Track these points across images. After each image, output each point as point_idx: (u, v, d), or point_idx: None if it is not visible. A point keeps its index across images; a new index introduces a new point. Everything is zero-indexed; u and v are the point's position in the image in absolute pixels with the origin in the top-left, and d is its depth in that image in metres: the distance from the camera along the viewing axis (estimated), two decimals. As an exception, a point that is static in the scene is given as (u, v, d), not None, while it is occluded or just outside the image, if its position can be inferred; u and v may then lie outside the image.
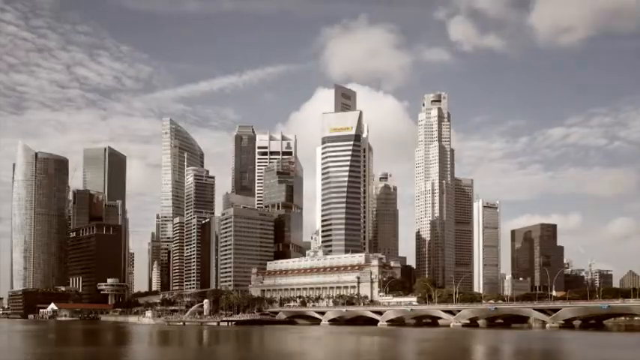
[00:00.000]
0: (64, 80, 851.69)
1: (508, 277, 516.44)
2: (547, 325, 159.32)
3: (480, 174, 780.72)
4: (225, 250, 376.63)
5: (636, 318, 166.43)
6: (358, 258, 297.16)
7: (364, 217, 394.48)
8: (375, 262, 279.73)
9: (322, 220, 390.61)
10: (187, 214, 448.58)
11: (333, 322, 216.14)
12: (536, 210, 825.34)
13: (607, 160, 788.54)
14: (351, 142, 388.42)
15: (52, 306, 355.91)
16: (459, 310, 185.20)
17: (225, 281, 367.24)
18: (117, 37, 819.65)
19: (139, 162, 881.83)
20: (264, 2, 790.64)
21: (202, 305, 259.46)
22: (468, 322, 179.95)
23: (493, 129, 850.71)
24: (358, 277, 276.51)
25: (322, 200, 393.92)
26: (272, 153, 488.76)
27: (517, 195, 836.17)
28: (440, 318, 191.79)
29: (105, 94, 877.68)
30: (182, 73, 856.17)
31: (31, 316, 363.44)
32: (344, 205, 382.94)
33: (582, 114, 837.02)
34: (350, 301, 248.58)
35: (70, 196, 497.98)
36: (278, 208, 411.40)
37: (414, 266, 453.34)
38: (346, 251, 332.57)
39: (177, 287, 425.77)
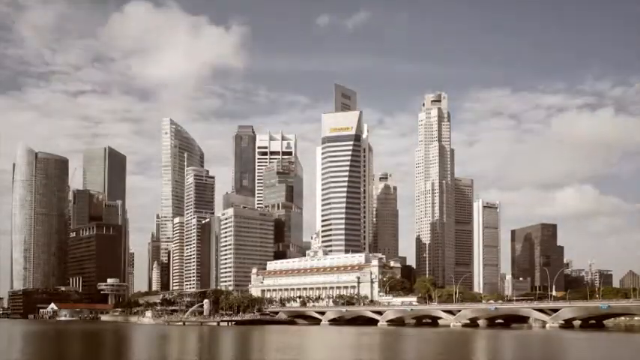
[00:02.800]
0: (52, 49, 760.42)
1: (508, 277, 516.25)
2: (547, 325, 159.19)
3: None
4: (225, 250, 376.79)
5: (636, 318, 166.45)
6: (358, 258, 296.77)
7: (364, 217, 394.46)
8: (375, 262, 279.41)
9: (322, 220, 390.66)
10: (187, 214, 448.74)
11: (333, 322, 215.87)
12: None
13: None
14: (351, 142, 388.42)
15: (52, 306, 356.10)
16: (459, 310, 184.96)
17: (225, 281, 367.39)
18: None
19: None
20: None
21: (202, 305, 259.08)
22: (468, 322, 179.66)
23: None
24: (358, 277, 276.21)
25: (322, 200, 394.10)
26: (272, 153, 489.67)
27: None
28: (440, 318, 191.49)
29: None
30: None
31: (31, 316, 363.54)
32: (344, 205, 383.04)
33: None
34: (350, 301, 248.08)
35: (70, 196, 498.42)
36: (278, 208, 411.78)
37: (414, 266, 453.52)
38: (346, 251, 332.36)
39: (177, 287, 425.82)
